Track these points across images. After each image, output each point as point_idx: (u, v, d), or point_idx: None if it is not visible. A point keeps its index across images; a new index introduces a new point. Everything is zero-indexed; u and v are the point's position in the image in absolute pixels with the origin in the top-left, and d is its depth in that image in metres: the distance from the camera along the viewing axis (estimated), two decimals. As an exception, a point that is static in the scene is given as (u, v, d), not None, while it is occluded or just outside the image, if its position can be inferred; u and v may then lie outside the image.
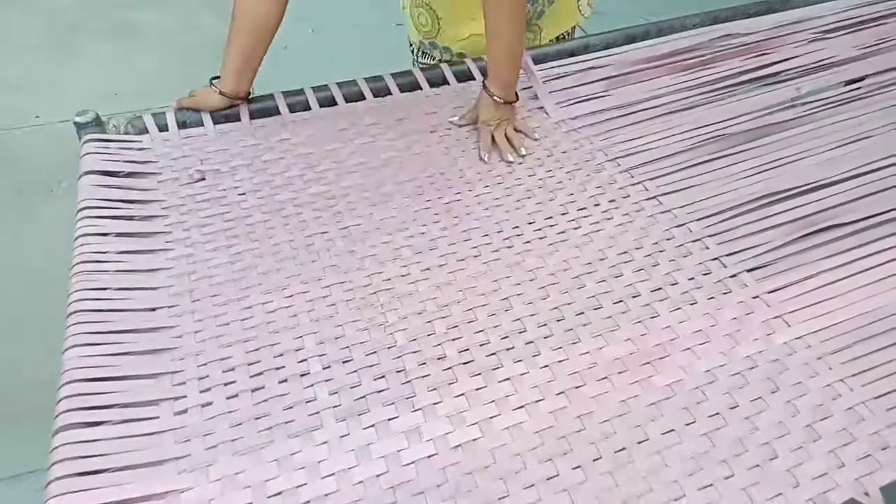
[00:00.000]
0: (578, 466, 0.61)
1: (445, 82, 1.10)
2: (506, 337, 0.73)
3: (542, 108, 1.06)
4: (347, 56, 2.71)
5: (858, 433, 0.64)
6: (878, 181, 0.92)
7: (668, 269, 0.80)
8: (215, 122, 1.00)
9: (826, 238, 0.84)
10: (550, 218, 0.87)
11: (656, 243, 0.84)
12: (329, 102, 1.05)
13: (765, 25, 1.20)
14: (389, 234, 0.85)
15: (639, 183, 0.92)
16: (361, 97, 1.06)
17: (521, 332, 0.73)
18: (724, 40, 1.17)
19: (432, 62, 1.22)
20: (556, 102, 1.06)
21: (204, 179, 0.91)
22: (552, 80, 1.10)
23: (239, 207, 0.88)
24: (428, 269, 0.80)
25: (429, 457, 0.62)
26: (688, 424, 0.65)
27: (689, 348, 0.71)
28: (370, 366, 0.69)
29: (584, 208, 0.89)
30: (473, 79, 1.11)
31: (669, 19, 1.19)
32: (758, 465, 0.61)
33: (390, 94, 1.07)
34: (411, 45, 1.27)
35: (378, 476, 0.60)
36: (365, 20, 3.00)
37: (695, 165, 0.95)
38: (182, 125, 0.99)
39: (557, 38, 1.26)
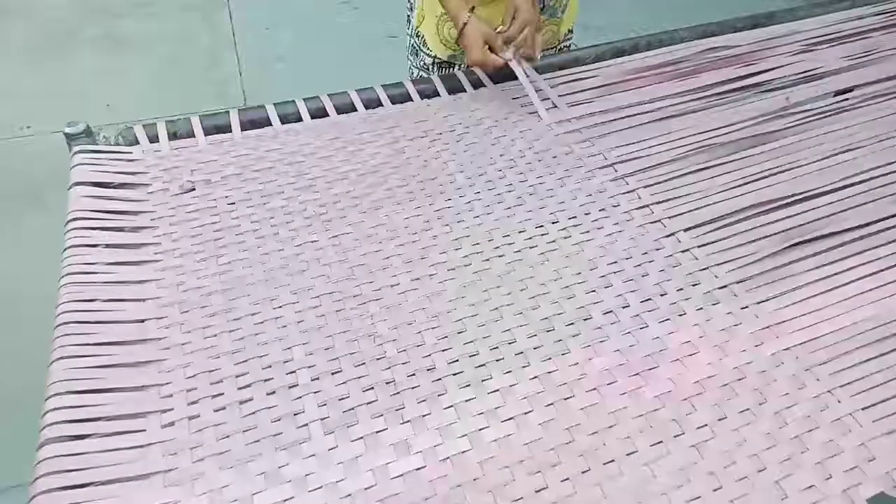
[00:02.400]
0: (567, 479, 0.61)
1: (436, 94, 1.10)
2: (495, 348, 0.73)
3: (534, 112, 1.07)
4: (340, 69, 2.72)
5: (846, 445, 0.64)
6: (867, 192, 0.93)
7: (657, 279, 0.80)
8: (206, 134, 1.00)
9: (815, 249, 0.85)
10: (541, 227, 0.88)
11: (646, 253, 0.84)
12: (321, 114, 1.05)
13: (752, 39, 1.22)
14: (380, 242, 0.85)
15: (629, 192, 0.93)
16: (353, 109, 1.06)
17: (510, 343, 0.73)
18: (713, 52, 1.18)
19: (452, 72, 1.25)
20: (547, 108, 1.07)
21: (194, 190, 0.91)
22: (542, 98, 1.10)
23: (229, 217, 0.88)
24: (418, 278, 0.80)
25: (417, 469, 0.62)
26: (676, 436, 0.65)
27: (678, 360, 0.71)
28: (359, 377, 0.69)
29: (575, 216, 0.89)
30: (464, 90, 1.11)
31: (658, 33, 1.20)
32: (746, 477, 0.61)
33: (381, 105, 1.07)
34: (424, 64, 1.28)
35: (366, 489, 0.60)
36: (358, 33, 3.01)
37: (684, 175, 0.96)
38: (173, 136, 0.99)
39: (559, 46, 1.28)
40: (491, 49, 1.06)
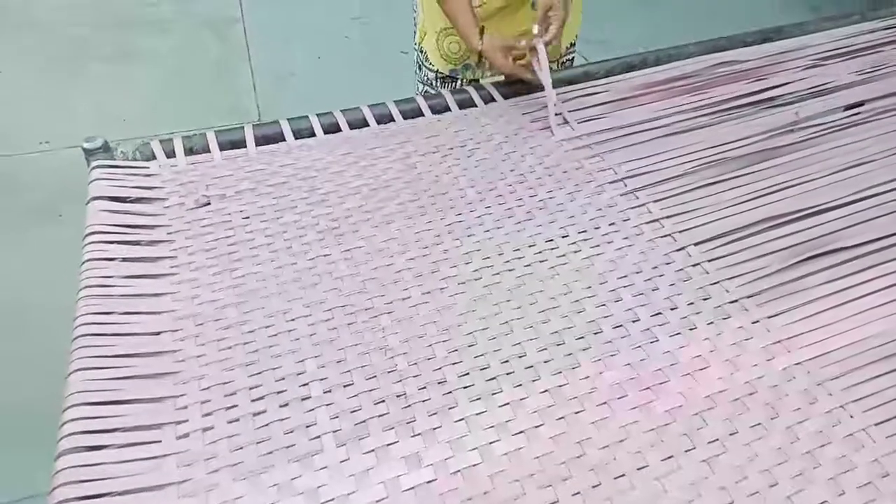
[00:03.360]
0: (578, 493, 0.61)
1: (447, 109, 1.12)
2: (506, 361, 0.73)
3: (544, 128, 1.08)
4: (352, 84, 2.75)
5: (859, 460, 0.64)
6: (878, 206, 0.93)
7: (667, 293, 0.81)
8: (222, 149, 1.02)
9: (826, 263, 0.84)
10: (551, 241, 0.88)
11: (656, 268, 0.84)
12: (333, 129, 1.07)
13: (762, 53, 1.22)
14: (391, 256, 0.86)
15: (640, 206, 0.93)
16: (365, 124, 1.08)
17: (521, 357, 0.73)
18: (722, 67, 1.19)
19: (457, 87, 1.26)
20: (558, 124, 1.08)
21: (209, 204, 0.93)
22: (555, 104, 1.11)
23: (243, 231, 0.89)
24: (429, 292, 0.81)
25: (428, 482, 0.62)
26: (687, 451, 0.65)
27: (688, 374, 0.71)
28: (371, 390, 0.70)
29: (585, 231, 0.90)
30: (475, 106, 1.13)
31: (667, 48, 1.21)
32: (757, 492, 0.61)
33: (393, 120, 1.09)
34: (427, 78, 1.30)
35: (377, 502, 0.61)
36: (370, 49, 3.05)
37: (694, 189, 0.96)
38: (189, 151, 1.01)
39: (561, 60, 1.29)
40: (514, 56, 1.08)
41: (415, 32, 1.31)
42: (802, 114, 1.09)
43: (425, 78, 1.30)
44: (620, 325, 0.77)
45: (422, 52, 1.29)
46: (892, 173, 0.98)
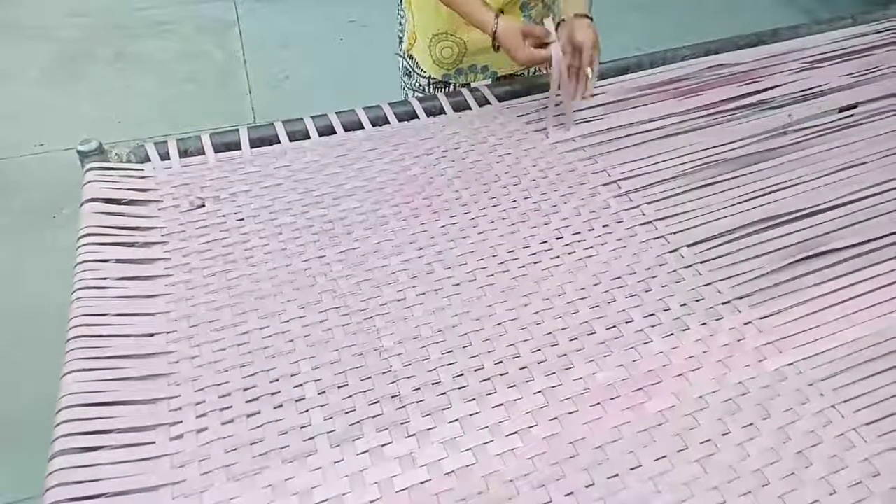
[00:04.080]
0: (571, 493, 0.62)
1: (441, 111, 1.12)
2: (500, 362, 0.73)
3: (539, 130, 1.08)
4: (347, 86, 2.75)
5: (850, 460, 0.64)
6: (870, 207, 0.94)
7: (660, 294, 0.81)
8: (216, 151, 1.02)
9: (818, 265, 0.85)
10: (545, 242, 0.88)
11: (649, 269, 0.85)
12: (328, 131, 1.07)
13: (755, 56, 1.23)
14: (386, 257, 0.86)
15: (632, 208, 0.94)
16: (360, 126, 1.08)
17: (514, 358, 0.74)
18: (716, 70, 1.20)
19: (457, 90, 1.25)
20: (555, 125, 1.08)
21: (203, 206, 0.93)
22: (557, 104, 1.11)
23: (238, 233, 0.89)
24: (423, 293, 0.81)
25: (422, 483, 0.62)
26: (680, 451, 0.65)
27: (681, 374, 0.72)
28: (365, 391, 0.70)
29: (579, 232, 0.90)
30: (469, 108, 1.13)
31: (662, 51, 1.22)
32: (749, 492, 0.62)
33: (388, 122, 1.09)
34: (419, 85, 1.29)
35: (371, 502, 0.61)
36: (365, 51, 3.05)
37: (688, 191, 0.97)
38: (183, 153, 1.01)
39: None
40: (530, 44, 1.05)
41: (400, 40, 1.30)
42: (795, 116, 1.10)
43: (417, 85, 1.29)
44: (613, 326, 0.77)
45: (411, 59, 1.27)
46: (884, 175, 0.99)
